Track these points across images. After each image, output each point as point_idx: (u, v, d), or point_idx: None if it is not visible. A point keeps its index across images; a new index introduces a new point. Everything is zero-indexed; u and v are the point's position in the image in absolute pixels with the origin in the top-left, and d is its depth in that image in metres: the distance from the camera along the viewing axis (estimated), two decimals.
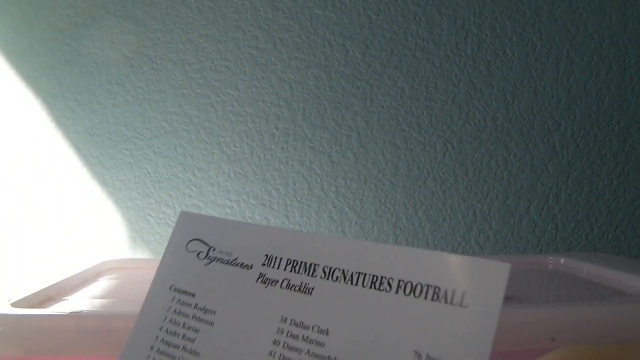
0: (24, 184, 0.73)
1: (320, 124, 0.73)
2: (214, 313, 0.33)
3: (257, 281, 0.33)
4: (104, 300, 0.46)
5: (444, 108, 0.74)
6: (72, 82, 0.72)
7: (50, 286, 0.45)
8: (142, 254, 0.72)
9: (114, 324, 0.36)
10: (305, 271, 0.31)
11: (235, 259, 0.34)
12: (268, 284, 0.32)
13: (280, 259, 0.33)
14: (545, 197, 0.74)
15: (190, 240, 0.36)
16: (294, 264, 0.32)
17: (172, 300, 0.34)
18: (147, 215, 0.73)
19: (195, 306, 0.34)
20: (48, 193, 0.73)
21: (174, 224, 0.72)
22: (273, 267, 0.33)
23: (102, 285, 0.51)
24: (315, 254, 0.32)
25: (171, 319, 0.34)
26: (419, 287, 0.27)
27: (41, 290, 0.44)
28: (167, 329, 0.33)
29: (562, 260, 0.60)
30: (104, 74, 0.72)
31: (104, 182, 0.73)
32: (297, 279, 0.31)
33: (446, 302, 0.26)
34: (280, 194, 0.73)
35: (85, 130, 0.73)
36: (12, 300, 0.39)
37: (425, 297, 0.27)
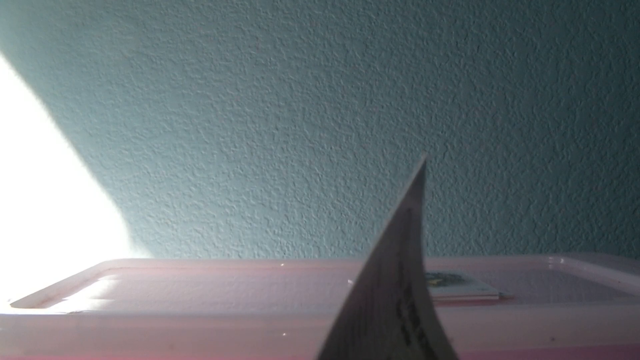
0: (24, 184, 0.73)
1: (320, 124, 0.73)
2: None
3: None
4: (103, 300, 0.46)
5: (444, 108, 0.74)
6: (72, 82, 0.72)
7: (50, 286, 0.45)
8: (141, 254, 0.72)
9: (114, 324, 0.36)
10: None
11: None
12: None
13: None
14: (545, 197, 0.74)
15: None
16: None
17: None
18: (147, 215, 0.73)
19: None
20: (48, 193, 0.73)
21: (173, 224, 0.72)
22: None
23: (102, 285, 0.51)
24: None
25: None
26: None
27: (41, 290, 0.44)
28: None
29: (562, 260, 0.60)
30: (103, 74, 0.72)
31: (104, 182, 0.73)
32: None
33: None
34: (280, 194, 0.73)
35: (85, 130, 0.73)
36: (12, 300, 0.39)
37: None
